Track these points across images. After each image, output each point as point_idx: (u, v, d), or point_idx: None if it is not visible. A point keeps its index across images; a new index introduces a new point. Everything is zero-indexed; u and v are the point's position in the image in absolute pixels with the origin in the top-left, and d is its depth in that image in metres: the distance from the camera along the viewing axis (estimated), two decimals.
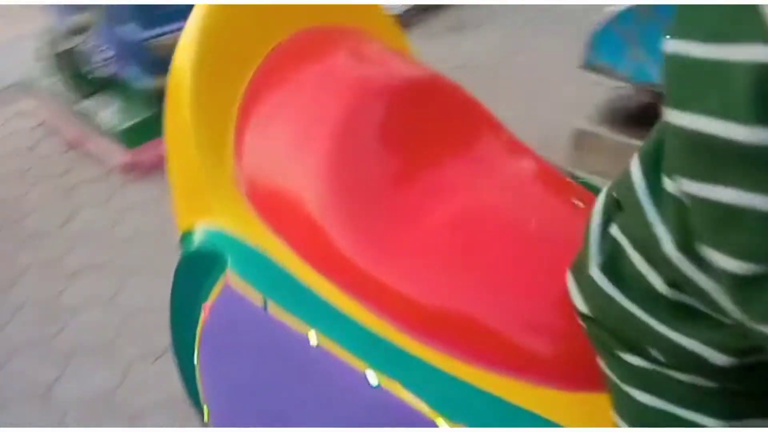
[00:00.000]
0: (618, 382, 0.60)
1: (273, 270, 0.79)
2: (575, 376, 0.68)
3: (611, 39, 1.87)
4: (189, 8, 0.90)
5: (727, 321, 0.50)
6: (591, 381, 0.65)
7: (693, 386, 0.54)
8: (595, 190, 0.84)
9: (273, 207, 0.83)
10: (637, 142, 1.79)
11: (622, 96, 1.98)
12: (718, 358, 0.51)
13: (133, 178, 2.60)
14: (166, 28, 2.40)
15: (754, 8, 0.37)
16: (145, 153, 2.55)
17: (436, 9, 3.61)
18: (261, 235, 0.82)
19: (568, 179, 0.86)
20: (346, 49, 0.92)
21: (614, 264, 0.57)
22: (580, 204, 0.81)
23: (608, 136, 2.00)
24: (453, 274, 0.73)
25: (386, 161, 0.80)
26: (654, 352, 0.55)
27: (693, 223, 0.46)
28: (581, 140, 2.05)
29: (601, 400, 0.64)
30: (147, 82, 2.54)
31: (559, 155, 2.29)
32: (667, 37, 0.44)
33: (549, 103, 2.66)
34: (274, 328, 0.77)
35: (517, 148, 0.88)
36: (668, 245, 0.50)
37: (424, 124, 0.83)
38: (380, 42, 0.97)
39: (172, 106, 0.91)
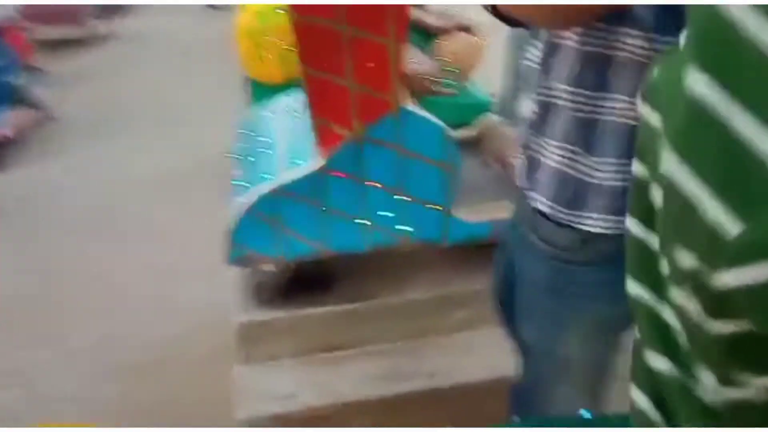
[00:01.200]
0: None
1: None
2: None
3: (253, 228, 1.77)
4: None
5: None
6: None
7: None
8: None
9: None
10: (301, 313, 1.76)
11: (272, 274, 1.90)
12: None
13: None
14: None
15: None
16: None
17: None
18: None
19: None
20: None
21: None
22: None
23: (273, 318, 1.90)
24: None
25: None
26: None
27: None
28: (247, 332, 1.90)
29: None
30: None
31: (228, 355, 2.08)
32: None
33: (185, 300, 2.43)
34: None
35: None
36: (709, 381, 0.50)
37: None
38: None
39: None
